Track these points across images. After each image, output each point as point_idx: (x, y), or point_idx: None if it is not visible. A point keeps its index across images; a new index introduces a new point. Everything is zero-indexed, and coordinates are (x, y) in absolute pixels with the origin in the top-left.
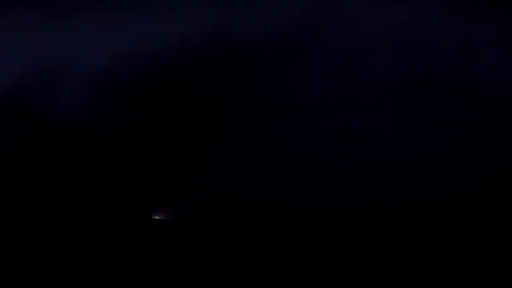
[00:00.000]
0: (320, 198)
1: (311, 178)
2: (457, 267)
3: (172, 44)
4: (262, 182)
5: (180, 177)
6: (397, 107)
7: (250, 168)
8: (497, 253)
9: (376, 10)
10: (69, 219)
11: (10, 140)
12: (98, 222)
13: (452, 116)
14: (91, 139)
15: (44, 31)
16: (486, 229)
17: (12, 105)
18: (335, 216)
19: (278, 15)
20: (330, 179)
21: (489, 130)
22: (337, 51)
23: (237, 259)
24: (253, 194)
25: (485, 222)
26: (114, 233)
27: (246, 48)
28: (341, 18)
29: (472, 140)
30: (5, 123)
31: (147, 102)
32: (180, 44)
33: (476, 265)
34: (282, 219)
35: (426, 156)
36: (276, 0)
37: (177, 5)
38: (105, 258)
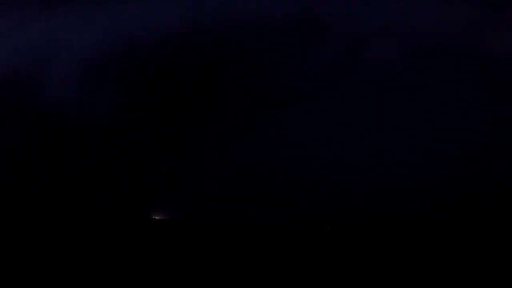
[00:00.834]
0: (322, 197)
1: (313, 176)
2: (458, 267)
3: (169, 30)
4: (263, 180)
5: (180, 176)
6: (409, 94)
7: (250, 166)
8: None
9: None
10: (68, 219)
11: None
12: (98, 222)
13: (468, 103)
14: (86, 132)
15: (27, 22)
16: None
17: None
18: (337, 215)
19: None
20: (333, 176)
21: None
22: (344, 36)
23: (237, 259)
24: (254, 193)
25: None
26: (114, 233)
27: (246, 33)
28: (348, 2)
29: (491, 129)
30: None
31: (144, 94)
32: (180, 31)
33: (476, 265)
34: (283, 218)
35: (440, 147)
36: None
37: None
38: (105, 258)
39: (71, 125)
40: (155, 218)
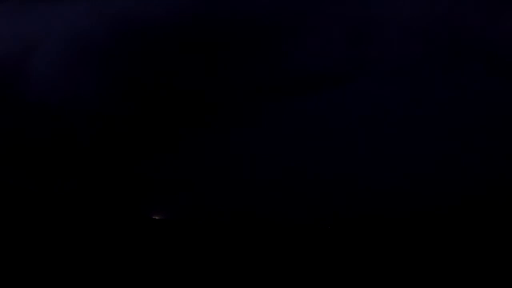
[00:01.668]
0: (325, 196)
1: (317, 173)
2: (458, 266)
3: (163, 15)
4: (264, 179)
5: (180, 176)
6: (422, 81)
7: (251, 164)
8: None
9: None
10: (67, 218)
11: None
12: (97, 222)
13: (484, 90)
14: (77, 127)
15: (9, 12)
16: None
17: None
18: (340, 214)
19: None
20: (341, 172)
21: None
22: (356, 20)
23: (237, 259)
24: (254, 192)
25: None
26: (114, 233)
27: (249, 15)
28: None
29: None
30: None
31: (137, 86)
32: (175, 16)
33: (477, 265)
34: (285, 218)
35: (456, 137)
36: None
37: None
38: (104, 258)
39: (61, 119)
40: (155, 218)
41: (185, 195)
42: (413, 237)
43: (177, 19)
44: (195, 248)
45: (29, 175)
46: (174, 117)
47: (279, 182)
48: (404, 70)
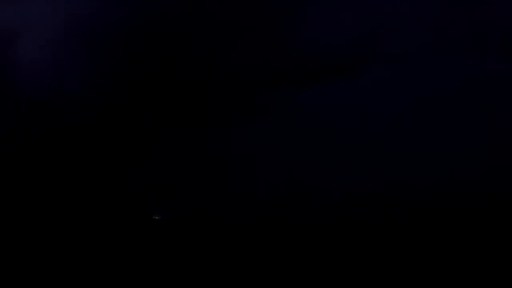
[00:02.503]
0: (328, 195)
1: (322, 173)
2: (458, 266)
3: None
4: (265, 178)
5: (180, 176)
6: (439, 69)
7: (252, 163)
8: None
9: None
10: (66, 218)
11: None
12: (97, 222)
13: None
14: (68, 120)
15: None
16: None
17: None
18: (340, 214)
19: None
20: (343, 173)
21: None
22: (368, 2)
23: (237, 259)
24: (255, 192)
25: None
26: (114, 233)
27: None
28: None
29: None
30: None
31: (130, 78)
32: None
33: (477, 265)
34: (286, 217)
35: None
36: None
37: None
38: (104, 258)
39: (51, 110)
40: (155, 218)
41: (185, 195)
42: (416, 238)
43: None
44: (195, 248)
45: (21, 171)
46: (172, 112)
47: (280, 181)
48: (418, 55)
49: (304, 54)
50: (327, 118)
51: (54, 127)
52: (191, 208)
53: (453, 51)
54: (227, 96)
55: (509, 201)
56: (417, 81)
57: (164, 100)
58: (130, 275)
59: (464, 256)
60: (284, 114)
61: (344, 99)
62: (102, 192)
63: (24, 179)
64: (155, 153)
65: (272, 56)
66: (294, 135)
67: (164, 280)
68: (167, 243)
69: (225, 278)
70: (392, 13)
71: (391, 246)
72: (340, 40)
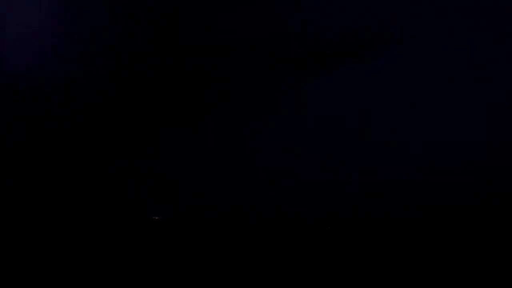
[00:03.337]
0: (341, 193)
1: (334, 170)
2: (458, 266)
3: None
4: (267, 177)
5: (181, 176)
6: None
7: (253, 162)
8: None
9: None
10: (66, 218)
11: None
12: (97, 222)
13: None
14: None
15: None
16: None
17: None
18: (341, 213)
19: None
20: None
21: None
22: None
23: (238, 259)
24: (256, 191)
25: None
26: (113, 233)
27: None
28: None
29: None
30: None
31: (124, 69)
32: None
33: (477, 265)
34: (285, 217)
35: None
36: None
37: None
38: (104, 258)
39: (41, 99)
40: (155, 218)
41: (185, 195)
42: (419, 238)
43: None
44: (195, 248)
45: (17, 168)
46: (171, 108)
47: (282, 181)
48: (436, 39)
49: (313, 36)
50: (339, 108)
51: (44, 123)
52: (191, 208)
53: (474, 38)
54: (229, 88)
55: None
56: (437, 67)
57: (162, 94)
58: (130, 276)
59: (465, 256)
60: (291, 106)
61: (356, 87)
62: (101, 192)
63: (17, 177)
64: (155, 153)
65: (278, 38)
66: (301, 130)
67: (164, 281)
68: (167, 243)
69: (226, 278)
70: None
71: (395, 246)
72: (353, 19)
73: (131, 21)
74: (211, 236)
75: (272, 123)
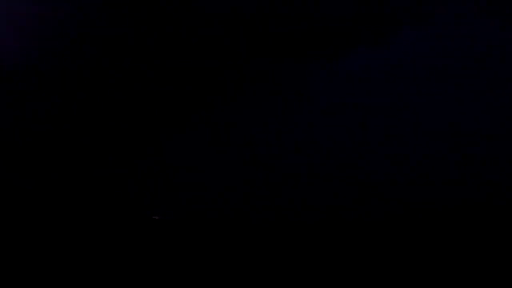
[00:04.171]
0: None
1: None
2: (457, 266)
3: None
4: (267, 177)
5: (180, 176)
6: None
7: (253, 161)
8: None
9: None
10: (66, 218)
11: None
12: (97, 222)
13: None
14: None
15: None
16: None
17: None
18: (342, 213)
19: None
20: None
21: None
22: None
23: (238, 259)
24: (256, 191)
25: None
26: (113, 233)
27: None
28: None
29: None
30: None
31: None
32: None
33: (477, 265)
34: (285, 217)
35: None
36: None
37: None
38: (104, 258)
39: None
40: (155, 218)
41: (185, 195)
42: (420, 238)
43: None
44: (195, 248)
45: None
46: (170, 106)
47: (282, 181)
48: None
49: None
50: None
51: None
52: (191, 208)
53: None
54: (234, 78)
55: None
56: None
57: (162, 94)
58: (130, 276)
59: (464, 256)
60: (291, 105)
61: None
62: (101, 192)
63: (17, 177)
64: (155, 152)
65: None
66: (307, 122)
67: (164, 281)
68: (167, 243)
69: (226, 278)
70: None
71: (395, 247)
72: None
73: (131, 21)
74: (210, 236)
75: (272, 123)
